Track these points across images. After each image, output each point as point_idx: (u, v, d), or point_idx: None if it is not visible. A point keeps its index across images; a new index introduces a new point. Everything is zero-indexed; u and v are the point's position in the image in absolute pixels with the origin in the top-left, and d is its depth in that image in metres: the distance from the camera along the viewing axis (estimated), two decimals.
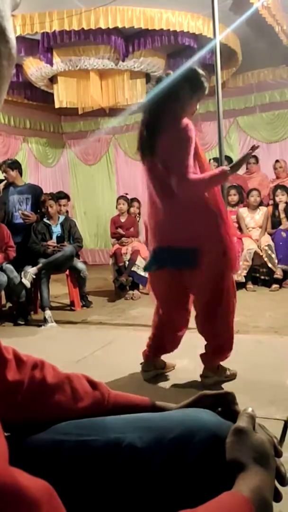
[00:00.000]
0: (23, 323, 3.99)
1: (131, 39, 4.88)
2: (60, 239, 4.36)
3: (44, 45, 4.75)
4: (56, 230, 4.45)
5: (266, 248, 4.81)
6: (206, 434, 0.58)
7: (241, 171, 6.51)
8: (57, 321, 3.90)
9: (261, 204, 5.24)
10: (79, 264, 4.46)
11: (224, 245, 2.15)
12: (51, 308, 4.07)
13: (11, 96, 6.13)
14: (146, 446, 0.59)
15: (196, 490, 0.55)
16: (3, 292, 4.21)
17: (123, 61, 5.03)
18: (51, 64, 5.01)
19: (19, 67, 5.36)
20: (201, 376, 2.30)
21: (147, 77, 5.50)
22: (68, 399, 0.68)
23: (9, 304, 4.43)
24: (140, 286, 4.88)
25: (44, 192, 4.95)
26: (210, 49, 3.85)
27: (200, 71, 2.21)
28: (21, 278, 3.95)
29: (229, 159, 5.44)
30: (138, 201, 5.64)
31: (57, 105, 5.58)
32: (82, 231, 5.56)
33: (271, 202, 5.37)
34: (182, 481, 0.56)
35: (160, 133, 2.12)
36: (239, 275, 4.78)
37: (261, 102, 6.71)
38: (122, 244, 5.08)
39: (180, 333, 2.35)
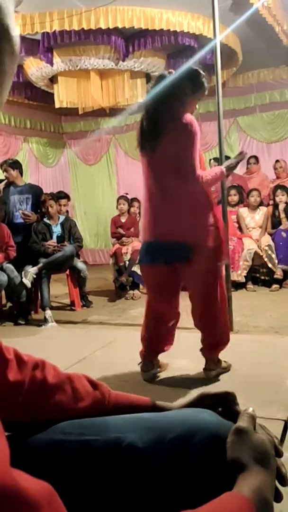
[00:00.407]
0: (23, 323, 4.00)
1: (131, 39, 4.88)
2: (60, 239, 4.36)
3: (44, 45, 4.75)
4: (56, 230, 4.45)
5: (266, 248, 4.81)
6: (207, 434, 0.58)
7: (241, 171, 6.52)
8: (57, 321, 3.90)
9: (261, 204, 5.24)
10: (80, 264, 4.46)
11: (216, 239, 2.20)
12: (52, 308, 4.07)
13: (11, 96, 6.13)
14: (147, 446, 0.59)
15: (197, 490, 0.55)
16: (3, 292, 4.21)
17: (123, 61, 5.03)
18: (52, 64, 5.01)
19: (20, 67, 5.36)
20: (204, 369, 2.34)
21: (147, 77, 5.50)
22: (68, 399, 0.68)
23: (9, 304, 4.44)
24: (141, 286, 4.88)
25: (45, 192, 4.95)
26: (210, 49, 3.85)
27: (201, 71, 2.24)
28: (21, 278, 3.95)
29: (229, 159, 5.44)
30: (139, 201, 5.64)
31: (57, 105, 5.58)
32: (82, 231, 5.56)
33: (271, 202, 5.37)
34: (182, 481, 0.56)
35: (163, 129, 2.15)
36: (239, 275, 4.78)
37: (261, 102, 6.71)
38: (122, 244, 5.08)
39: (171, 327, 2.39)
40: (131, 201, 5.51)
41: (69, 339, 3.37)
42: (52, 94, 5.58)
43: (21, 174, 4.57)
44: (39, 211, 4.51)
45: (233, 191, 5.26)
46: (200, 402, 0.68)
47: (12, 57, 0.40)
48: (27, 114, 6.98)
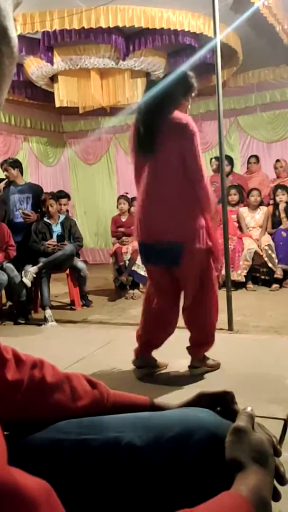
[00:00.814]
0: (23, 322, 4.00)
1: (132, 38, 4.88)
2: (60, 238, 4.36)
3: (44, 44, 4.75)
4: (57, 229, 4.45)
5: (267, 247, 4.81)
6: (205, 433, 0.58)
7: (242, 170, 6.53)
8: (57, 320, 3.90)
9: (261, 203, 5.24)
10: (80, 264, 4.46)
11: (207, 241, 2.23)
12: (52, 307, 4.07)
13: (11, 95, 6.13)
14: (145, 445, 0.60)
15: (195, 489, 0.55)
16: (3, 291, 4.21)
17: (123, 60, 5.03)
18: (52, 63, 5.01)
19: (20, 66, 5.36)
20: (189, 367, 2.38)
21: (148, 76, 5.49)
22: (67, 398, 0.68)
23: (9, 303, 4.44)
24: (141, 285, 4.88)
25: (45, 191, 4.95)
26: (211, 49, 3.85)
27: (191, 74, 2.32)
28: (21, 277, 3.95)
29: (229, 159, 5.45)
30: None
31: (57, 104, 5.58)
32: (82, 230, 5.56)
33: (271, 201, 5.37)
34: (181, 480, 0.56)
35: (159, 132, 2.18)
36: (239, 275, 4.78)
37: (262, 102, 6.70)
38: (122, 243, 5.08)
39: (169, 327, 2.40)
40: (131, 201, 5.51)
41: (69, 339, 3.37)
42: (53, 93, 5.58)
43: (21, 173, 4.57)
44: (39, 210, 4.51)
45: (233, 191, 5.25)
46: (199, 401, 0.68)
47: (11, 58, 0.40)
48: (27, 113, 6.97)
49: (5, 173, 4.47)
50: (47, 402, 0.67)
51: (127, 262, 4.86)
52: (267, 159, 6.42)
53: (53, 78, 5.49)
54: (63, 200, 5.06)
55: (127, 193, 5.66)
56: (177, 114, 2.18)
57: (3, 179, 4.59)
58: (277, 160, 5.83)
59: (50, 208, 4.42)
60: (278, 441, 0.62)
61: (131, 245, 4.98)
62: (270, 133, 6.74)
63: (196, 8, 4.48)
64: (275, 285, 4.70)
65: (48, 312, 3.93)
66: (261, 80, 6.53)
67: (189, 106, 2.36)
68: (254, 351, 2.73)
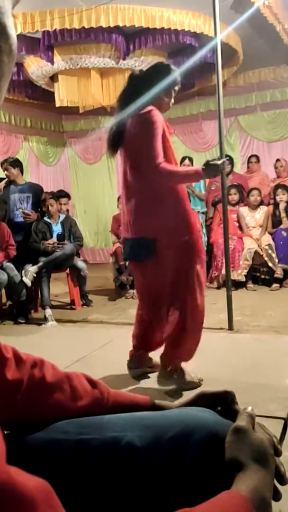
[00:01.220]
0: (23, 321, 4.00)
1: (132, 38, 4.88)
2: (60, 238, 4.36)
3: (45, 43, 4.75)
4: (57, 228, 4.45)
5: (267, 247, 4.81)
6: (206, 433, 0.58)
7: (242, 170, 6.52)
8: (57, 320, 3.90)
9: (261, 203, 5.24)
10: (80, 263, 4.46)
11: (185, 236, 2.10)
12: (52, 307, 4.07)
13: (12, 95, 6.13)
14: (145, 445, 0.59)
15: (195, 489, 0.55)
16: (3, 291, 4.21)
17: (124, 59, 5.02)
18: (52, 62, 5.01)
19: (20, 66, 5.36)
20: (158, 375, 2.21)
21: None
22: (67, 398, 0.68)
23: (9, 303, 4.44)
24: None
25: (45, 190, 4.95)
26: (211, 48, 3.85)
27: (173, 67, 2.23)
28: (21, 276, 3.95)
29: (229, 158, 5.44)
30: None
31: (58, 104, 5.58)
32: (83, 229, 5.56)
33: (271, 201, 5.37)
34: (181, 480, 0.56)
35: (126, 126, 2.14)
36: (240, 275, 4.78)
37: (262, 101, 6.70)
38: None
39: (162, 329, 2.25)
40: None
41: (69, 338, 3.37)
42: (53, 93, 5.58)
43: (22, 172, 4.57)
44: (39, 210, 4.51)
45: (233, 190, 5.25)
46: (199, 401, 0.68)
47: (10, 56, 0.40)
48: (27, 112, 6.97)
49: (5, 172, 4.47)
50: (47, 401, 0.67)
51: (128, 262, 4.86)
52: (268, 159, 6.42)
53: (53, 78, 5.49)
54: (63, 200, 5.06)
55: None
56: (148, 108, 2.08)
57: (3, 179, 4.59)
58: (277, 160, 5.83)
59: (50, 208, 4.43)
60: (279, 441, 0.62)
61: None
62: (271, 132, 6.74)
63: (196, 7, 4.48)
64: (275, 285, 4.70)
65: (48, 311, 3.93)
66: (262, 80, 6.54)
67: (172, 102, 2.25)
68: (254, 350, 2.73)
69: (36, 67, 5.24)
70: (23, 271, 3.98)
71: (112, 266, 5.04)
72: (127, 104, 2.15)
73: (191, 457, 0.56)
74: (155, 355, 2.41)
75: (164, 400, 0.75)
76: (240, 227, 5.19)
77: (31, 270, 3.99)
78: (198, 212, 5.38)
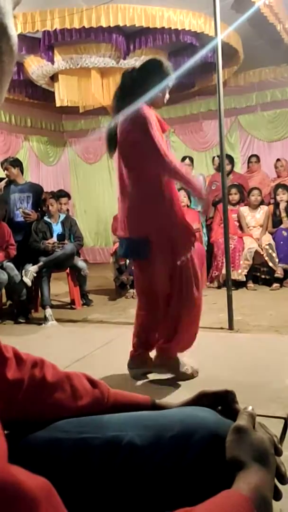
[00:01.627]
0: (23, 321, 4.00)
1: (132, 37, 4.88)
2: (60, 238, 4.36)
3: (45, 43, 4.75)
4: (57, 228, 4.45)
5: (267, 247, 4.81)
6: (206, 432, 0.58)
7: (243, 170, 6.52)
8: (57, 320, 3.90)
9: (262, 203, 5.24)
10: (80, 263, 4.47)
11: (174, 233, 2.13)
12: (52, 307, 4.07)
13: (12, 95, 6.13)
14: (146, 444, 0.59)
15: (196, 488, 0.55)
16: (4, 290, 4.21)
17: (124, 59, 5.02)
18: (52, 62, 5.01)
19: (20, 65, 5.36)
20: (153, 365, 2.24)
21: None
22: (67, 397, 0.68)
23: (9, 302, 4.44)
24: None
25: (45, 190, 4.96)
26: (212, 48, 3.84)
27: (166, 63, 2.23)
28: (22, 276, 3.95)
29: (230, 158, 5.44)
30: None
31: (58, 104, 5.58)
32: (83, 229, 5.56)
33: (272, 201, 5.37)
34: (181, 480, 0.56)
35: (119, 126, 2.15)
36: (240, 274, 4.78)
37: (263, 101, 6.70)
38: None
39: (160, 325, 2.28)
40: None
41: (69, 338, 3.37)
42: (53, 93, 5.58)
43: (22, 172, 4.57)
44: (39, 209, 4.52)
45: (233, 190, 5.25)
46: (200, 400, 0.68)
47: (10, 57, 0.40)
48: (27, 112, 6.97)
49: (6, 172, 4.47)
50: (47, 401, 0.67)
51: (128, 261, 4.86)
52: (268, 158, 6.42)
53: (53, 77, 5.49)
54: (63, 199, 5.06)
55: None
56: (137, 106, 2.08)
57: (3, 178, 4.59)
58: (278, 160, 5.83)
59: (50, 207, 4.43)
60: (279, 440, 0.62)
61: None
62: (271, 132, 6.74)
63: (197, 7, 4.47)
64: (275, 285, 4.70)
65: (49, 311, 3.93)
66: (262, 79, 6.53)
67: (166, 97, 2.25)
68: (254, 350, 2.73)
69: (36, 66, 5.24)
70: (23, 271, 3.98)
71: (112, 266, 5.04)
72: (121, 103, 2.17)
73: (192, 457, 0.57)
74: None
75: (166, 399, 0.75)
76: (241, 227, 5.19)
77: (31, 269, 3.99)
78: (199, 211, 5.38)
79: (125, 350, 2.42)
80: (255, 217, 5.19)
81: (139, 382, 2.32)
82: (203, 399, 0.68)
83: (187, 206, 4.98)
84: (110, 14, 4.38)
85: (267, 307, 3.90)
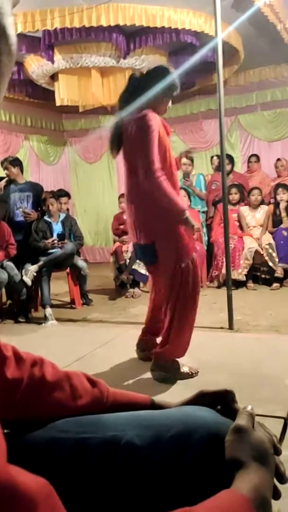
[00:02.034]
0: (23, 320, 4.00)
1: (133, 37, 4.87)
2: (60, 237, 4.36)
3: (45, 42, 4.75)
4: (57, 228, 4.45)
5: (267, 246, 4.81)
6: (205, 432, 0.58)
7: (243, 169, 6.52)
8: (57, 319, 3.90)
9: (262, 202, 5.24)
10: (80, 262, 4.47)
11: (176, 241, 2.18)
12: (52, 306, 4.07)
13: (12, 94, 6.13)
14: (145, 444, 0.59)
15: (195, 488, 0.55)
16: (4, 290, 4.21)
17: (124, 58, 5.02)
18: (52, 61, 5.01)
19: (20, 65, 5.35)
20: (151, 369, 2.30)
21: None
22: (67, 396, 0.68)
23: (9, 302, 4.44)
24: (141, 284, 4.89)
25: (45, 190, 4.95)
26: (212, 47, 3.84)
27: (171, 70, 2.28)
28: (22, 275, 3.95)
29: (230, 158, 5.44)
30: None
31: (58, 103, 5.57)
32: (83, 229, 5.57)
33: (272, 200, 5.37)
34: (181, 479, 0.56)
35: (124, 129, 2.18)
36: (240, 274, 4.78)
37: (263, 100, 6.70)
38: (123, 242, 5.09)
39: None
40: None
41: (69, 337, 3.37)
42: (53, 92, 5.57)
43: (22, 172, 4.57)
44: (39, 209, 4.51)
45: (234, 190, 5.25)
46: (199, 400, 0.68)
47: (9, 56, 0.40)
48: (27, 111, 6.97)
49: (6, 171, 4.47)
50: (46, 400, 0.67)
51: (128, 260, 4.86)
52: (268, 158, 6.41)
53: (53, 77, 5.48)
54: (64, 199, 5.06)
55: None
56: (144, 111, 2.10)
57: (3, 178, 4.59)
58: (278, 159, 5.83)
59: (50, 207, 4.43)
60: (278, 440, 0.62)
61: (132, 244, 4.98)
62: (271, 132, 6.74)
63: (197, 6, 4.47)
64: (275, 284, 4.70)
65: (49, 310, 3.93)
66: (262, 79, 6.52)
67: (169, 106, 2.29)
68: (254, 350, 2.73)
69: (36, 66, 5.24)
70: (23, 270, 3.98)
71: (112, 265, 5.04)
72: (127, 105, 2.19)
73: (191, 456, 0.57)
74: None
75: (167, 398, 0.75)
76: (241, 227, 5.19)
77: (32, 269, 3.99)
78: (199, 211, 5.38)
79: (125, 350, 2.42)
80: (255, 217, 5.19)
81: (139, 382, 2.32)
82: (202, 399, 0.68)
83: (187, 206, 4.98)
84: (111, 13, 4.37)
85: (267, 307, 3.90)
